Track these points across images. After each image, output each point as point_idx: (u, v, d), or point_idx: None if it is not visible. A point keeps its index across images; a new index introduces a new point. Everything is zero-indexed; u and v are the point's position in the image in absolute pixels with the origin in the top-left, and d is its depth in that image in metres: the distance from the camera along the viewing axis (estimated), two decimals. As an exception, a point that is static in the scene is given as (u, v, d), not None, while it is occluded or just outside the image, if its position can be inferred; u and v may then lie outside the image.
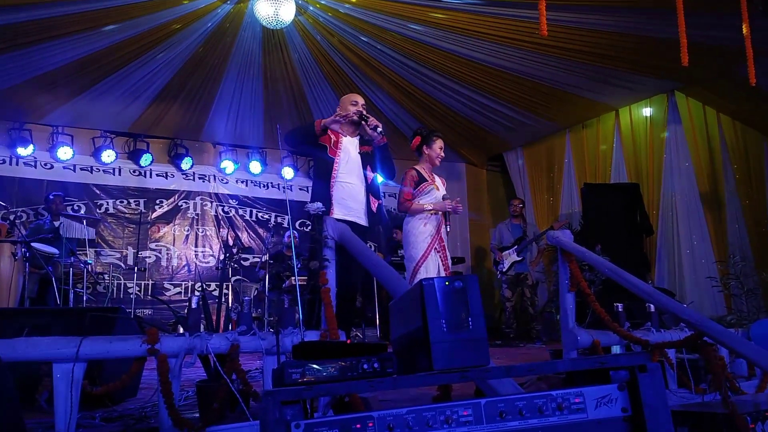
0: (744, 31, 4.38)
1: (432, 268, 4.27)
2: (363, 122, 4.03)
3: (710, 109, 7.61)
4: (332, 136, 4.08)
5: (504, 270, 7.95)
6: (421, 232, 4.33)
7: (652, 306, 3.56)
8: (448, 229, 4.39)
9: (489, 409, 1.20)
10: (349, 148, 4.09)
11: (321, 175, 4.03)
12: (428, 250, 4.29)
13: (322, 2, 6.32)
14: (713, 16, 5.47)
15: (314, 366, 1.34)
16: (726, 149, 7.51)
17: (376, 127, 4.00)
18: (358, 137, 4.20)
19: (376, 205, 4.13)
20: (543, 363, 1.26)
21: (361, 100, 4.20)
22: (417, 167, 4.53)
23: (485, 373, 1.27)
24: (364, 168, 4.09)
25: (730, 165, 7.47)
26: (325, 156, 4.02)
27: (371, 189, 4.11)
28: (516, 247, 7.96)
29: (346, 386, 1.27)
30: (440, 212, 4.36)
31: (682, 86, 7.50)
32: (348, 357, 1.39)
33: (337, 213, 3.83)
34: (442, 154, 4.56)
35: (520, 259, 7.92)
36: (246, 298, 3.98)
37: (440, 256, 4.32)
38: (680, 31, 4.31)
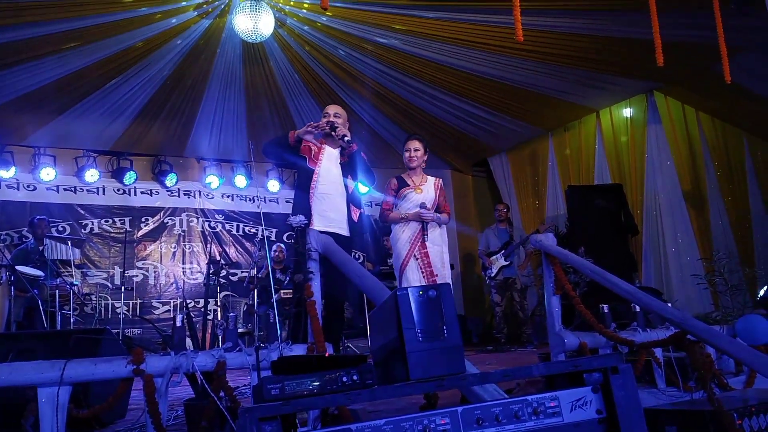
0: (717, 29, 4.44)
1: (411, 275, 4.23)
2: (332, 132, 4.04)
3: (689, 108, 7.70)
4: (313, 148, 4.08)
5: (492, 275, 7.99)
6: (399, 239, 4.32)
7: (637, 306, 3.59)
8: (426, 239, 4.32)
9: (466, 416, 1.21)
10: (329, 159, 4.10)
11: (301, 186, 4.04)
12: (407, 257, 4.27)
13: (301, 14, 6.35)
14: (687, 15, 5.55)
15: (293, 381, 1.34)
16: (707, 147, 7.59)
17: (344, 136, 4.01)
18: (339, 148, 4.21)
19: (357, 214, 4.12)
20: (517, 368, 1.28)
21: (331, 111, 4.20)
22: (402, 174, 4.53)
23: (461, 381, 1.28)
24: (345, 178, 4.11)
25: (711, 162, 7.56)
26: (305, 166, 4.04)
27: (352, 199, 4.11)
28: (503, 251, 8.00)
29: (324, 400, 1.28)
30: (414, 225, 4.34)
31: (660, 86, 7.58)
32: (329, 370, 1.40)
33: (318, 225, 3.82)
34: (414, 155, 4.45)
35: (507, 263, 7.96)
36: (231, 314, 3.98)
37: (420, 264, 4.26)
38: (654, 31, 4.36)
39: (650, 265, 7.54)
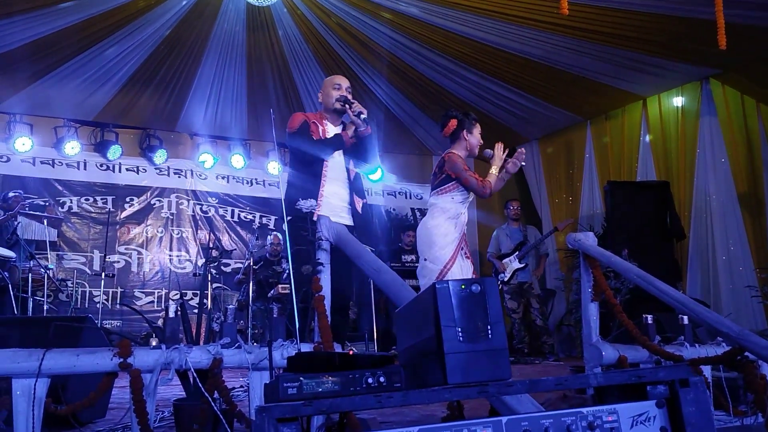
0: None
1: (458, 274, 4.03)
2: (347, 107, 3.97)
3: (749, 99, 7.59)
4: (317, 125, 4.00)
5: (506, 279, 7.96)
6: (448, 234, 4.10)
7: (685, 318, 3.56)
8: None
9: (511, 427, 1.20)
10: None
11: (311, 168, 3.91)
12: (455, 254, 4.07)
13: (315, -24, 6.33)
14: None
15: (312, 379, 1.33)
16: (767, 144, 7.50)
17: (360, 113, 3.91)
18: (341, 126, 4.12)
19: (361, 204, 4.03)
20: (572, 376, 1.26)
21: (345, 83, 4.10)
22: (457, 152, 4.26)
23: (507, 388, 1.26)
24: (347, 162, 4.02)
25: (771, 161, 7.47)
26: (308, 149, 3.97)
27: (354, 186, 4.03)
28: (517, 253, 7.97)
29: (349, 402, 1.26)
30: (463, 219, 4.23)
31: (718, 73, 7.49)
32: (351, 370, 1.38)
33: (322, 212, 3.76)
34: (482, 143, 4.34)
35: (522, 266, 7.93)
36: (230, 306, 4.00)
37: (466, 263, 4.14)
38: (717, 10, 4.32)
39: (696, 274, 7.48)
